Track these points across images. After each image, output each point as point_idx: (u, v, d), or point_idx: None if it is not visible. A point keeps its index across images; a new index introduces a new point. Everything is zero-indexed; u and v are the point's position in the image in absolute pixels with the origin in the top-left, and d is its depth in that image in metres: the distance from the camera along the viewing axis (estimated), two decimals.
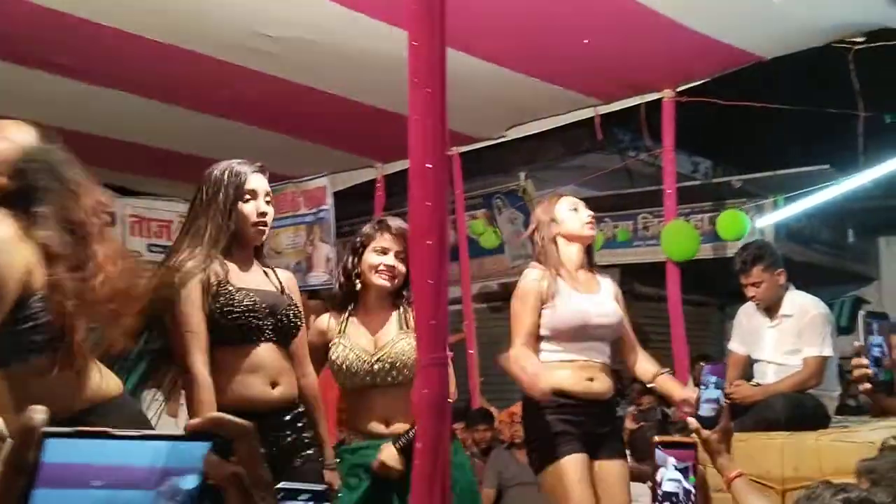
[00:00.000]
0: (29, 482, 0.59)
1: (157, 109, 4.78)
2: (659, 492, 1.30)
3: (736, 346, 3.93)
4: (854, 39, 3.95)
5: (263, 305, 2.35)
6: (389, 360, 2.57)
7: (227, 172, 2.39)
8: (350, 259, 2.71)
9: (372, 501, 2.54)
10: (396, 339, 2.60)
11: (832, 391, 3.75)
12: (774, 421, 3.43)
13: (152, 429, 2.76)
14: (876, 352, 1.65)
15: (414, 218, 1.92)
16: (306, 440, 2.42)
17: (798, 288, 3.85)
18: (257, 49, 4.04)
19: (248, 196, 2.38)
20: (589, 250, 3.06)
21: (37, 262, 1.76)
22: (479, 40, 3.97)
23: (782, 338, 3.69)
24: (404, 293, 2.65)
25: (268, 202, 2.44)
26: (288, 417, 2.38)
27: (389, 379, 2.58)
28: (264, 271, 2.48)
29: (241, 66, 4.22)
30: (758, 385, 3.73)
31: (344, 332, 2.66)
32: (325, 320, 2.73)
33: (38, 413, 0.60)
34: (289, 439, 2.37)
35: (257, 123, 5.03)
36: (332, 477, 2.49)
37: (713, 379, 1.82)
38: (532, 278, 2.91)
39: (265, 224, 2.42)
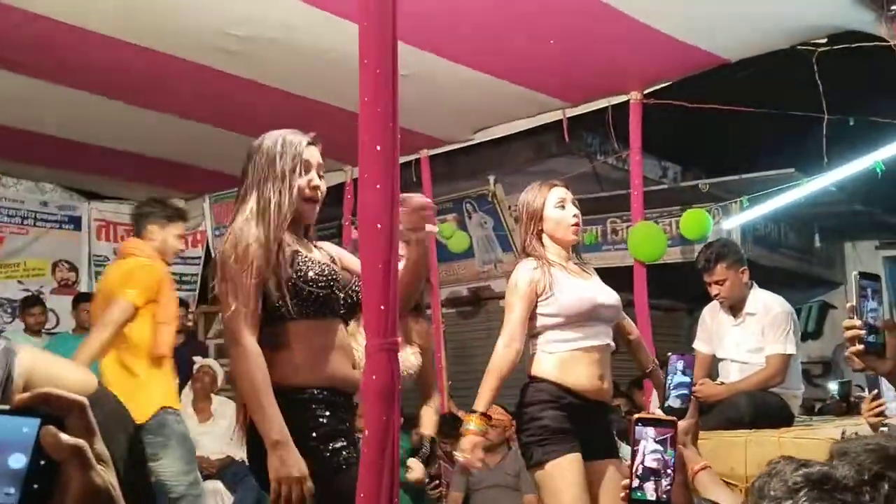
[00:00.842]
0: None
1: (124, 111, 4.71)
2: (639, 466, 1.27)
3: (700, 345, 3.93)
4: (818, 42, 3.99)
5: (338, 278, 2.21)
6: None
7: (280, 143, 2.23)
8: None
9: None
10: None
11: (795, 389, 3.75)
12: (738, 419, 3.43)
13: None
14: (870, 316, 1.62)
15: (364, 201, 1.89)
16: None
17: None
18: (224, 49, 3.99)
19: (302, 169, 2.23)
20: (574, 246, 3.03)
21: None
22: (447, 41, 3.96)
23: (746, 336, 3.70)
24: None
25: (321, 176, 2.29)
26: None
27: None
28: (315, 246, 2.34)
29: (207, 66, 4.17)
30: (722, 384, 3.73)
31: None
32: None
33: None
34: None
35: (224, 125, 4.98)
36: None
37: (681, 366, 1.80)
38: (527, 268, 2.86)
39: (318, 199, 2.26)
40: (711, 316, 3.88)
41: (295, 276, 2.11)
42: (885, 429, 2.77)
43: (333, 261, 2.29)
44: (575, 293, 2.82)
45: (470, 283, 7.11)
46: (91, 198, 6.78)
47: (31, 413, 0.64)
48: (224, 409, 5.39)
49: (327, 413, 2.05)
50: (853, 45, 3.97)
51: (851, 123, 4.58)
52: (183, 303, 6.33)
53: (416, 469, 3.16)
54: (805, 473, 0.91)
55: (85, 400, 0.68)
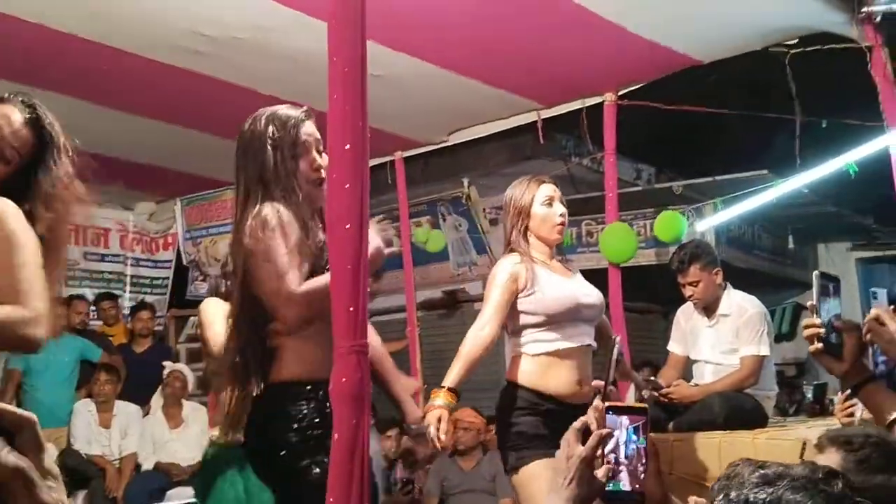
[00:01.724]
0: None
1: (93, 113, 4.62)
2: (616, 456, 1.25)
3: (675, 346, 3.92)
4: (790, 44, 4.01)
5: None
6: None
7: (273, 129, 2.10)
8: None
9: None
10: None
11: (769, 390, 3.76)
12: (712, 420, 3.42)
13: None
14: (829, 314, 1.62)
15: (332, 201, 1.85)
16: None
17: None
18: (194, 50, 3.94)
19: (302, 151, 2.12)
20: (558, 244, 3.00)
21: None
22: (421, 42, 3.93)
23: (720, 337, 3.70)
24: None
25: (320, 152, 2.15)
26: None
27: None
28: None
29: (177, 66, 4.11)
30: (696, 385, 3.72)
31: None
32: None
33: None
34: None
35: (194, 126, 4.91)
36: None
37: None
38: (509, 262, 2.83)
39: (323, 179, 2.10)
40: (685, 317, 3.88)
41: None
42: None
43: None
44: (557, 291, 2.79)
45: (444, 286, 7.08)
46: None
47: None
48: (196, 414, 5.32)
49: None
50: (825, 47, 4.00)
51: (824, 125, 4.61)
52: (149, 306, 6.25)
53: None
54: (762, 475, 0.91)
55: (32, 417, 0.69)
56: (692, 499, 1.18)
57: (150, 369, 5.57)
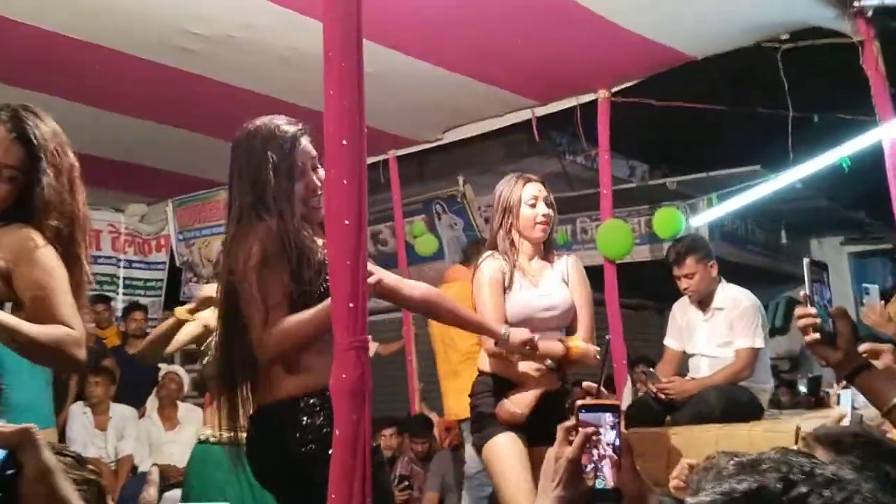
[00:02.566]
0: None
1: (83, 113, 4.59)
2: (597, 453, 1.24)
3: (671, 341, 3.94)
4: (782, 38, 4.02)
5: None
6: None
7: (272, 146, 2.08)
8: None
9: None
10: None
11: (764, 383, 3.78)
12: (708, 414, 3.44)
13: None
14: (822, 301, 1.59)
15: (330, 197, 1.85)
16: None
17: None
18: (184, 48, 3.92)
19: (298, 173, 2.11)
20: (547, 241, 3.04)
21: None
22: (414, 39, 3.92)
23: (715, 331, 3.71)
24: None
25: (315, 168, 2.14)
26: None
27: None
28: None
29: (168, 65, 4.09)
30: (692, 379, 3.74)
31: None
32: None
33: None
34: None
35: (186, 126, 4.89)
36: None
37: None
38: (493, 268, 2.92)
39: (320, 199, 2.11)
40: (681, 312, 3.90)
41: (325, 287, 1.98)
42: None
43: None
44: (516, 303, 2.89)
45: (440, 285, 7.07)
46: None
47: None
48: (191, 416, 5.30)
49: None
50: (817, 42, 4.02)
51: (816, 120, 4.62)
52: (142, 307, 6.22)
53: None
54: (737, 462, 0.92)
55: (26, 425, 0.75)
56: (684, 460, 1.17)
57: (144, 371, 5.54)
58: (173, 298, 6.81)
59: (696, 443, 3.31)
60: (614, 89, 4.53)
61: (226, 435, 2.41)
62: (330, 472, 1.72)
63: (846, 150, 4.15)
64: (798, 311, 1.58)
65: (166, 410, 5.35)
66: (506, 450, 2.81)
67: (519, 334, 2.68)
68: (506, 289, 2.89)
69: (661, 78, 4.41)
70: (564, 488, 1.21)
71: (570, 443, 1.22)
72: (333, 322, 1.78)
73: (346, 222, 1.79)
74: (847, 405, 3.40)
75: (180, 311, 3.17)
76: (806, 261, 1.61)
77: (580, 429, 1.23)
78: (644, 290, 6.55)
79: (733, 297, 3.70)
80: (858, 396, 2.85)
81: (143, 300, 6.60)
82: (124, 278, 6.77)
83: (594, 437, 1.23)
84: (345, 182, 1.79)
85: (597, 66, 4.33)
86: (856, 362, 1.59)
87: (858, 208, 7.46)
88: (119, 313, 6.49)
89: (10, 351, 1.84)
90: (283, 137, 2.13)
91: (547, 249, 3.04)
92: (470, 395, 3.00)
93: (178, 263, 6.64)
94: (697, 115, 5.07)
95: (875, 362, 1.63)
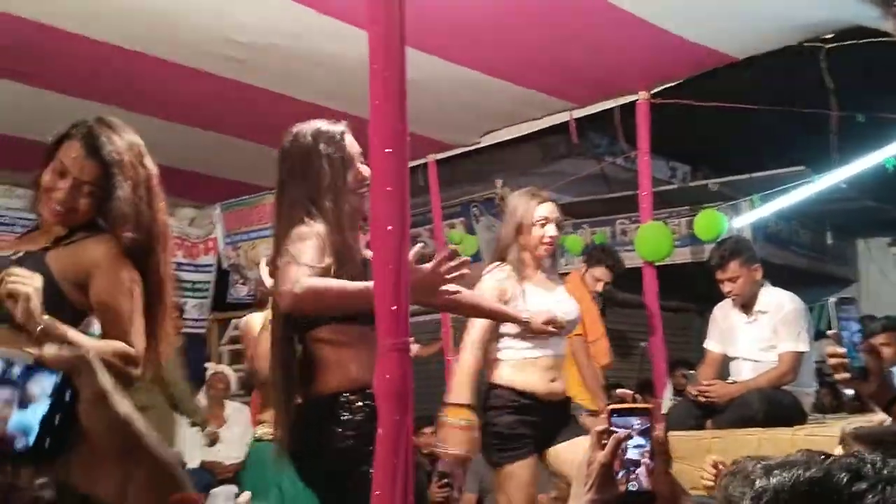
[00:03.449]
0: None
1: (134, 121, 4.60)
2: (629, 458, 1.26)
3: (712, 344, 3.92)
4: (825, 38, 3.98)
5: None
6: None
7: (324, 140, 2.17)
8: None
9: None
10: None
11: (808, 387, 3.74)
12: (751, 417, 3.42)
13: None
14: (851, 336, 1.65)
15: (375, 204, 1.90)
16: None
17: None
18: (229, 56, 4.01)
19: (350, 163, 2.19)
20: (552, 254, 3.19)
21: None
22: (453, 45, 3.96)
23: (758, 334, 3.69)
24: None
25: (362, 162, 2.21)
26: None
27: None
28: None
29: (213, 74, 4.19)
30: (734, 382, 3.72)
31: None
32: None
33: None
34: None
35: (233, 132, 5.00)
36: None
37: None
38: (496, 278, 3.03)
39: (367, 189, 2.14)
40: (723, 314, 3.87)
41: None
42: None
43: None
44: (541, 306, 2.98)
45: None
46: None
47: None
48: (237, 414, 5.42)
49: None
50: (860, 42, 3.97)
51: (861, 120, 4.56)
52: (176, 306, 6.33)
53: None
54: (765, 465, 0.93)
55: (80, 350, 0.77)
56: (710, 456, 1.19)
57: (195, 372, 5.67)
58: (221, 300, 6.96)
59: (738, 447, 3.29)
60: (654, 90, 4.53)
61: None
62: (374, 471, 1.77)
63: (891, 151, 4.09)
64: (828, 350, 1.64)
65: (214, 409, 5.47)
66: (525, 479, 2.89)
67: (539, 315, 2.83)
68: (511, 299, 2.97)
69: (702, 76, 4.39)
70: (597, 493, 1.22)
71: (603, 447, 1.24)
72: (377, 324, 1.83)
73: (390, 228, 1.84)
74: None
75: None
76: (832, 301, 1.68)
77: (612, 433, 1.25)
78: (685, 292, 6.50)
79: (778, 301, 3.68)
80: None
81: (191, 301, 6.74)
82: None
83: (626, 441, 1.25)
84: (388, 189, 1.85)
85: (635, 68, 4.33)
86: (890, 393, 1.63)
87: None
88: None
89: None
90: (332, 131, 2.23)
91: (553, 266, 3.21)
92: (485, 410, 2.99)
93: (225, 266, 6.78)
94: (740, 114, 5.03)
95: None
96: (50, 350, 0.73)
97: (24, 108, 4.52)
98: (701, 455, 3.28)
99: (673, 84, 4.49)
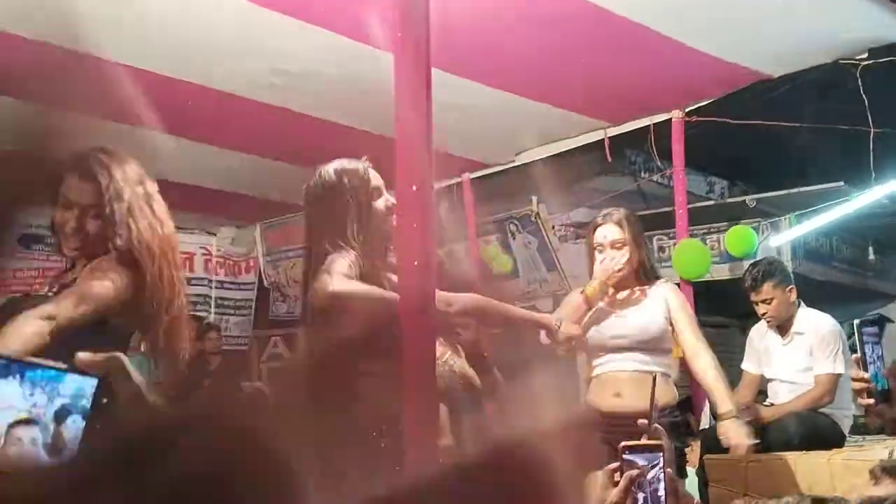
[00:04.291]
0: None
1: (181, 146, 4.85)
2: (639, 494, 1.27)
3: (748, 365, 3.89)
4: (860, 56, 3.95)
5: None
6: None
7: (347, 176, 2.27)
8: None
9: None
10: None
11: (846, 409, 3.69)
12: (788, 441, 3.39)
13: None
14: (875, 359, 1.65)
15: (401, 239, 1.95)
16: None
17: (819, 307, 3.82)
18: (268, 83, 4.12)
19: (375, 194, 2.29)
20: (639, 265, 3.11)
21: None
22: (486, 67, 4.01)
23: (794, 356, 3.66)
24: None
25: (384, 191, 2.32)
26: None
27: None
28: None
29: (252, 99, 4.30)
30: (771, 405, 3.69)
31: None
32: None
33: None
34: None
35: (272, 155, 5.12)
36: None
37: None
38: (579, 290, 3.09)
39: (393, 216, 2.24)
40: (759, 336, 3.85)
41: None
42: None
43: None
44: (589, 326, 3.01)
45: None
46: None
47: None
48: None
49: None
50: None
51: None
52: (215, 327, 6.44)
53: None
54: (814, 497, 0.93)
55: (115, 354, 0.76)
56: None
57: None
58: (262, 318, 7.08)
59: (774, 470, 3.27)
60: (688, 108, 4.52)
61: None
62: None
63: None
64: (852, 374, 1.64)
65: None
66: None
67: (569, 329, 2.77)
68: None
69: (738, 92, 4.38)
70: None
71: (616, 484, 1.26)
72: (405, 359, 1.88)
73: (416, 263, 1.89)
74: None
75: None
76: (856, 323, 1.66)
77: (625, 471, 1.27)
78: (725, 310, 6.44)
79: (814, 322, 3.64)
80: None
81: (233, 319, 6.87)
82: (216, 298, 7.07)
83: (639, 479, 1.27)
84: (415, 226, 1.90)
85: (669, 87, 4.33)
86: None
87: None
88: None
89: None
90: (354, 167, 2.31)
91: (637, 278, 3.10)
92: None
93: (265, 284, 6.90)
94: (778, 131, 5.00)
95: None
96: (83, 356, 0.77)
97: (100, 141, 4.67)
98: (738, 479, 3.26)
99: (708, 102, 4.49)
